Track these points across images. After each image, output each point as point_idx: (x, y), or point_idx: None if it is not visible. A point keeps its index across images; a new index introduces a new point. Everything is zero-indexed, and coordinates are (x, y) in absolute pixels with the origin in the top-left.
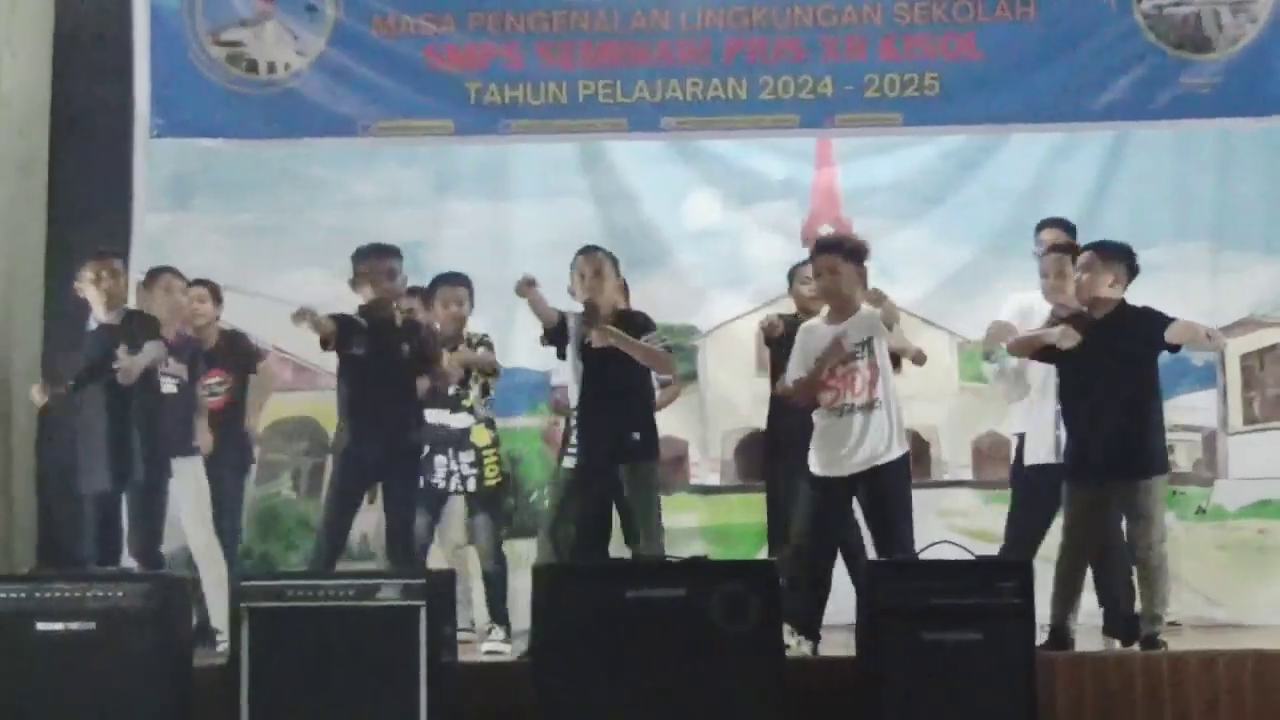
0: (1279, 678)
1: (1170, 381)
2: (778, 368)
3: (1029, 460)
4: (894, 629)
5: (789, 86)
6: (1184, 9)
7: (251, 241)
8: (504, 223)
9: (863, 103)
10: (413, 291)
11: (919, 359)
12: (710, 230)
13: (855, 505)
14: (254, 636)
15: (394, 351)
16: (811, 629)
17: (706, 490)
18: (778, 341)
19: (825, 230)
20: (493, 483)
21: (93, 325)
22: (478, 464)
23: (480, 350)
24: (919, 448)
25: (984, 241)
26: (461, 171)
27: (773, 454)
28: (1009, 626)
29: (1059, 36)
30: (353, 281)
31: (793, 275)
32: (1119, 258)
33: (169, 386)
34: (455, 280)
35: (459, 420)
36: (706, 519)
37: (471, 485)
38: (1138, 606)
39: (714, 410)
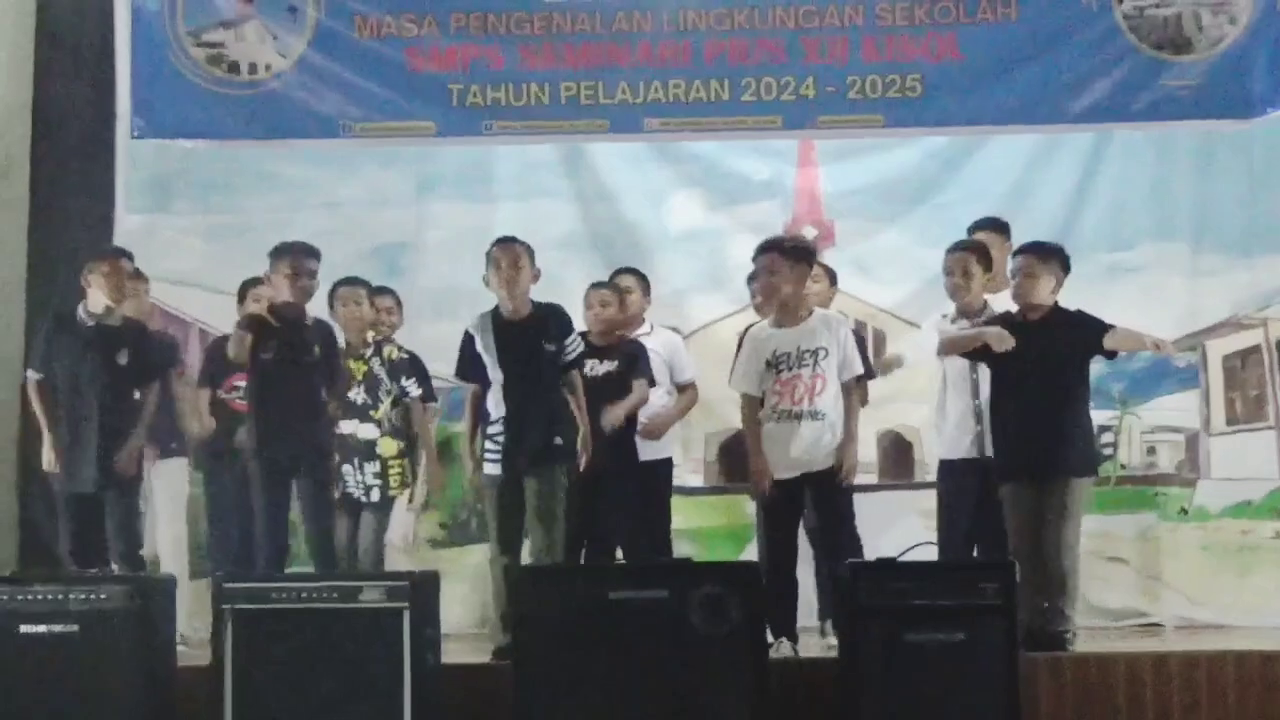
0: (1261, 678)
1: (1152, 383)
2: None
3: (946, 455)
4: (876, 630)
5: (771, 88)
6: (1164, 10)
7: (232, 243)
8: (486, 224)
9: (845, 104)
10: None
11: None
12: (692, 232)
13: None
14: (237, 638)
15: (304, 352)
16: (788, 629)
17: (689, 492)
18: None
19: (809, 231)
20: (395, 494)
21: (85, 321)
22: (382, 474)
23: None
24: (901, 448)
25: None
26: (443, 173)
27: None
28: (991, 627)
29: (1040, 38)
30: (269, 276)
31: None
32: (1055, 259)
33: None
34: (351, 281)
35: (366, 431)
36: (689, 521)
37: (375, 495)
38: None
39: (697, 411)
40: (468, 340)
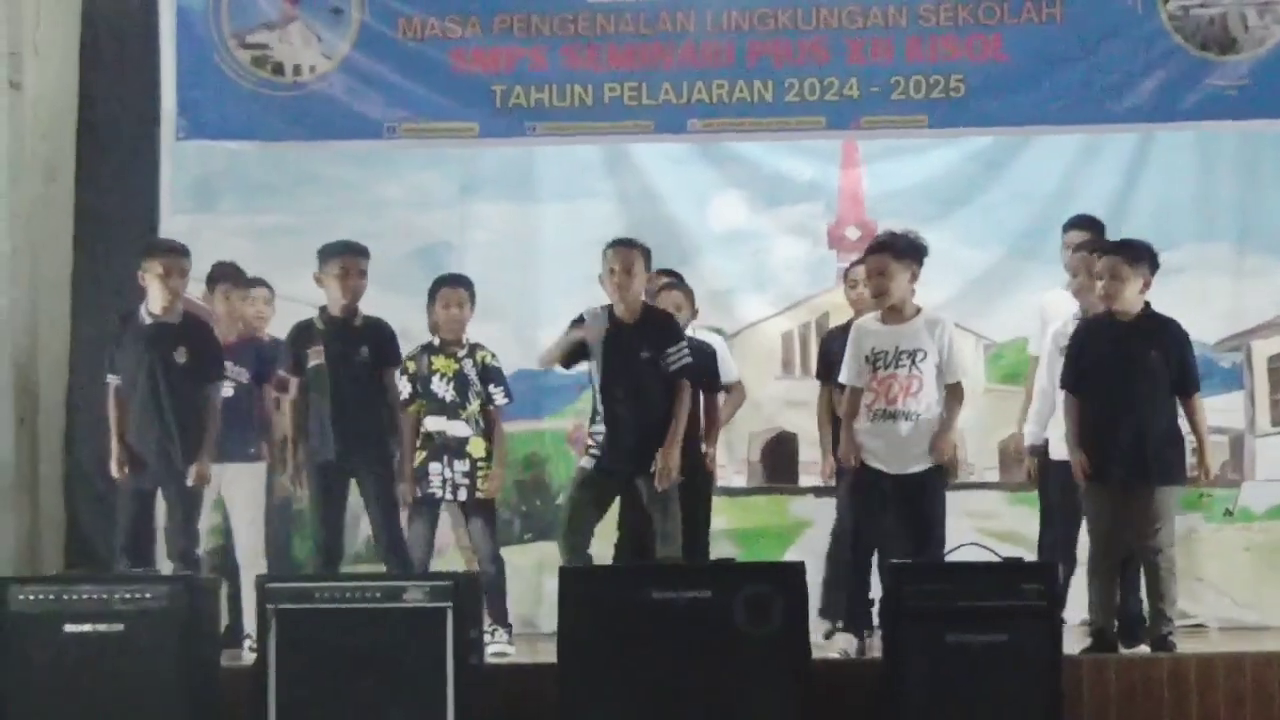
0: None
1: None
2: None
3: (1055, 455)
4: (919, 631)
5: (815, 88)
6: (1210, 10)
7: (276, 243)
8: (529, 225)
9: (888, 104)
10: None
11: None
12: (736, 232)
13: None
14: (281, 638)
15: (353, 354)
16: (857, 622)
17: (733, 492)
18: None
19: (851, 232)
20: (483, 494)
21: (145, 320)
22: (471, 474)
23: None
24: None
25: (1009, 243)
26: (486, 174)
27: None
28: (1034, 628)
29: (1084, 38)
30: (318, 278)
31: (845, 276)
32: (1144, 259)
33: (225, 389)
34: (456, 282)
35: (456, 429)
36: (733, 521)
37: (463, 494)
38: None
39: (740, 412)
40: (576, 323)
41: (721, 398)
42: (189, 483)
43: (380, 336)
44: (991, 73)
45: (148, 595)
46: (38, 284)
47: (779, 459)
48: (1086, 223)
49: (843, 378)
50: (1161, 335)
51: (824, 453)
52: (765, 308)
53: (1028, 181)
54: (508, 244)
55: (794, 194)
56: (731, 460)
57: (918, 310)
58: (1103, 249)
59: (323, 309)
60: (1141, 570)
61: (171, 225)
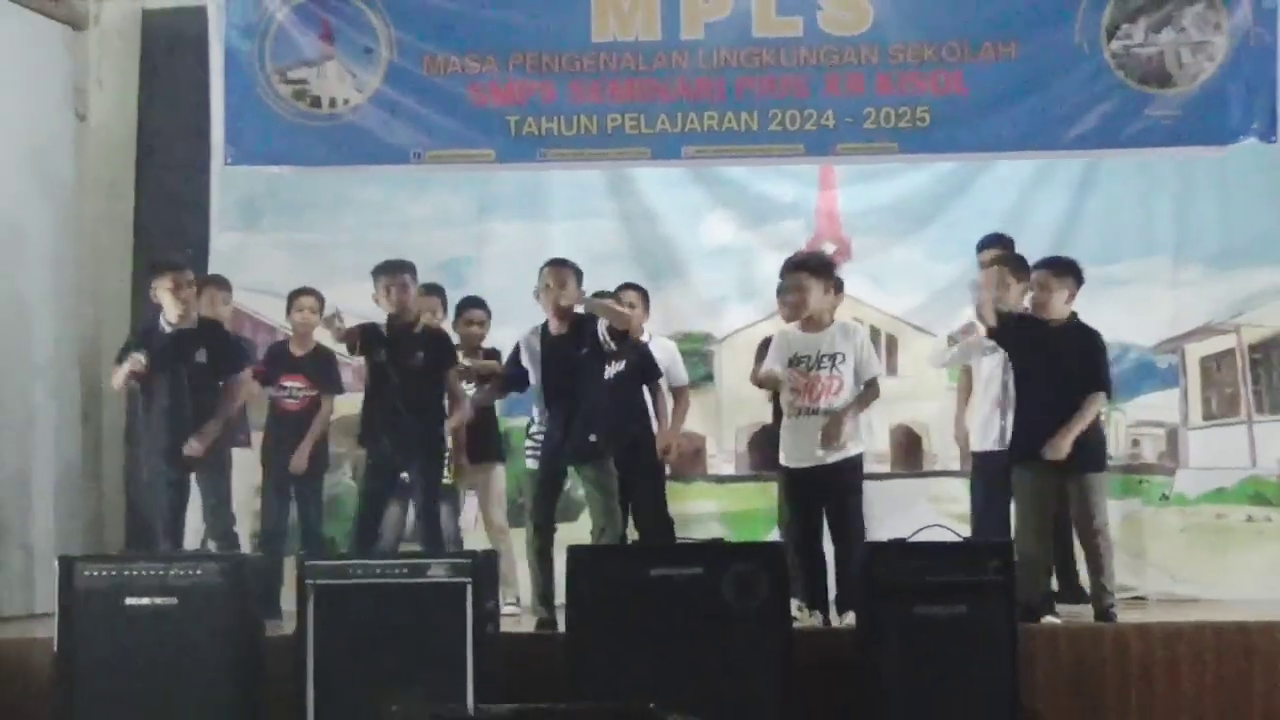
0: (1234, 647)
1: (1136, 381)
2: None
3: (976, 447)
4: (891, 604)
5: (795, 119)
6: (1149, 49)
7: (313, 258)
8: (541, 241)
9: (861, 133)
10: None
11: None
12: (725, 248)
13: None
14: (318, 610)
15: (410, 357)
16: (817, 602)
17: (722, 479)
18: None
19: (828, 248)
20: (451, 481)
21: (165, 329)
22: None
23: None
24: (912, 441)
25: (971, 257)
26: (502, 195)
27: None
28: (993, 601)
29: (1037, 74)
30: (374, 295)
31: (781, 290)
32: (1069, 273)
33: None
34: (476, 303)
35: None
36: (723, 505)
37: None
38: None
39: (728, 408)
40: (514, 353)
41: (667, 394)
42: (184, 451)
43: (437, 342)
44: (954, 105)
45: (199, 572)
46: (101, 293)
47: (764, 449)
48: (997, 240)
49: (762, 373)
50: (1084, 340)
51: None
52: (751, 315)
53: (987, 202)
54: (521, 259)
55: (777, 213)
56: (721, 451)
57: (832, 319)
58: (1036, 264)
59: (391, 316)
60: (1083, 550)
61: (220, 241)
